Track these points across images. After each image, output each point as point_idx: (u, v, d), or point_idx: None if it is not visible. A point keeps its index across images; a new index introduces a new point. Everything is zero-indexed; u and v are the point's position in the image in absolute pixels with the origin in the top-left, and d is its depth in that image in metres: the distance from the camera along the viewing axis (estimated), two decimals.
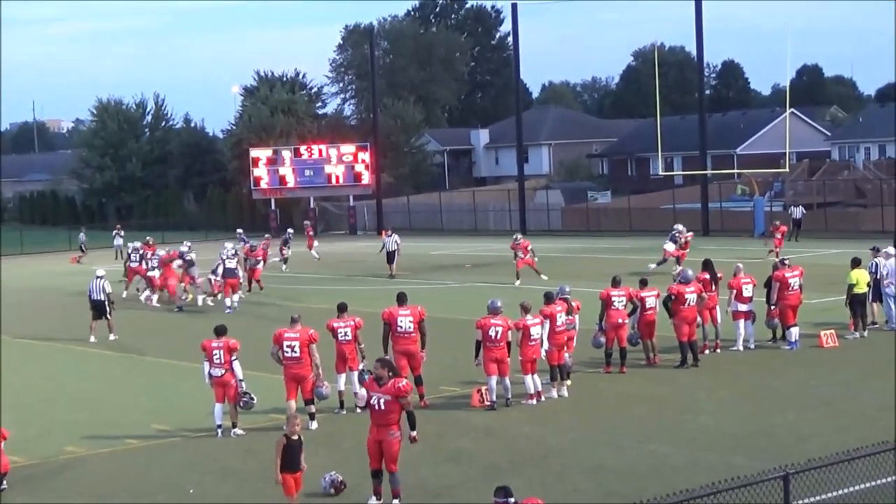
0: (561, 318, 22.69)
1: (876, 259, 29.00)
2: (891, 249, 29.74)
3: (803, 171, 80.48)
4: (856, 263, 28.28)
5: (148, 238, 46.17)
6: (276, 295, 42.21)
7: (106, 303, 33.06)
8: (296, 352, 20.33)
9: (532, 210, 75.69)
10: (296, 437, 14.82)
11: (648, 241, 59.66)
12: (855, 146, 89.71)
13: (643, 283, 25.85)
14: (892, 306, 28.62)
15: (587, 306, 25.86)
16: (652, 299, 25.29)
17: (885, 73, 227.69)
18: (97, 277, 33.71)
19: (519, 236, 43.47)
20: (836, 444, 15.99)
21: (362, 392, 15.83)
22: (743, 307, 26.67)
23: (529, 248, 42.99)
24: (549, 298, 22.74)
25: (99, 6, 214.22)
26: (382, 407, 15.40)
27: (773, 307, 26.45)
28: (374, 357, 17.15)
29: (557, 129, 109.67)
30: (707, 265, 27.55)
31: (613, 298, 24.64)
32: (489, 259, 53.68)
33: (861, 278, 27.61)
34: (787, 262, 27.92)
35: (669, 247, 41.80)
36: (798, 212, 56.94)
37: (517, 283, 40.53)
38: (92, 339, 32.62)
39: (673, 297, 24.64)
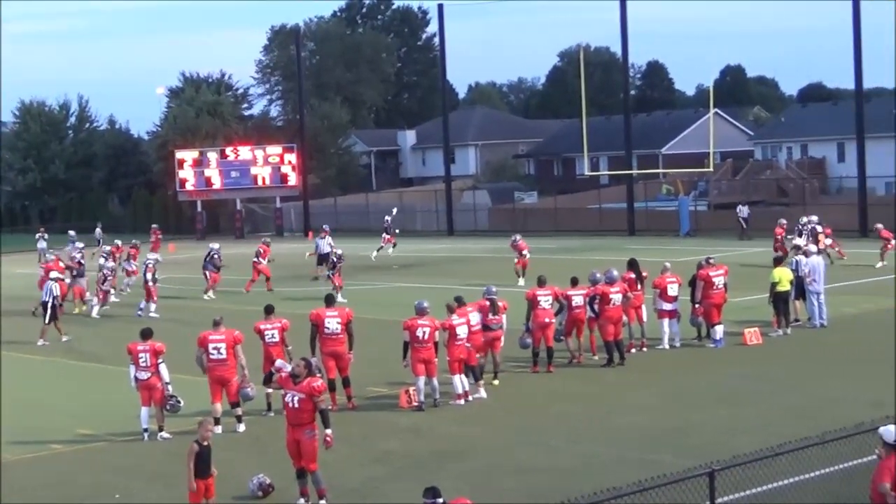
0: (475, 318, 22.56)
1: (797, 257, 29.23)
2: (812, 248, 30.04)
3: (727, 171, 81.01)
4: (778, 262, 28.55)
5: (117, 241, 46.27)
6: (196, 298, 41.70)
7: (49, 305, 32.48)
8: (222, 353, 20.20)
9: (459, 210, 75.67)
10: (206, 444, 14.74)
11: (575, 241, 59.95)
12: (777, 146, 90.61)
13: (574, 282, 25.81)
14: (815, 304, 28.74)
15: (515, 307, 25.74)
16: (579, 298, 25.22)
17: (806, 73, 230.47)
18: (51, 280, 33.44)
19: (517, 237, 42.51)
20: (761, 441, 16.01)
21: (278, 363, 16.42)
22: (668, 306, 26.68)
23: (526, 250, 41.88)
24: (459, 302, 22.59)
25: (22, 7, 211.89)
26: (296, 405, 15.43)
27: (697, 305, 26.51)
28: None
29: (484, 129, 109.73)
30: (632, 264, 27.61)
31: (539, 298, 24.57)
32: (416, 260, 53.47)
33: (784, 276, 27.87)
34: (711, 260, 28.10)
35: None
36: (745, 211, 57.33)
37: (521, 282, 39.43)
38: (40, 342, 32.25)
39: (598, 297, 24.68)
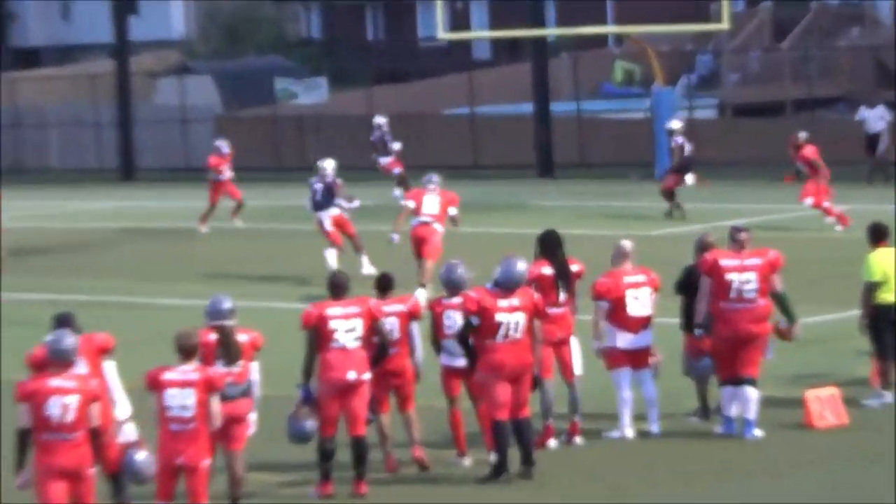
0: None
1: None
2: None
3: (763, 29, 47.91)
4: (879, 237, 15.02)
5: None
6: None
7: None
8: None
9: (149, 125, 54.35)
10: None
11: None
12: None
13: (382, 287, 14.07)
14: None
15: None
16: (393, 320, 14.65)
17: None
18: None
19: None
20: None
21: None
22: (627, 339, 16.66)
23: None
24: None
25: None
26: None
27: (698, 334, 16.87)
28: None
29: None
30: (548, 246, 15.14)
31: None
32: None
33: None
34: (741, 234, 15.14)
35: None
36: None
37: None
38: None
39: (469, 319, 15.61)
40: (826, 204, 27.25)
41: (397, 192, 32.28)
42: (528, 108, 41.02)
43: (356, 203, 24.98)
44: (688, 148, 30.15)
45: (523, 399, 13.26)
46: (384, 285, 13.90)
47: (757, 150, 36.92)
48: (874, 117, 35.93)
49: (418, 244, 21.74)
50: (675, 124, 31.01)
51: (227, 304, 12.92)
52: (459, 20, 56.85)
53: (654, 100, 38.69)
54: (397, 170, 33.83)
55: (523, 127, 40.48)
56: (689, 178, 30.64)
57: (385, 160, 34.18)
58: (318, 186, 24.54)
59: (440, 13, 34.46)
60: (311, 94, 47.12)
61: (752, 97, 44.77)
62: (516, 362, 13.07)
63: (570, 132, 40.67)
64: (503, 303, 12.98)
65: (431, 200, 22.29)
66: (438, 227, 21.92)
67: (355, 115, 43.14)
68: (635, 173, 37.88)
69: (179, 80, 48.20)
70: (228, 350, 12.50)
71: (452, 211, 22.25)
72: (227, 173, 30.71)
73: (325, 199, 24.08)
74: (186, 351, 11.81)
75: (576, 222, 26.48)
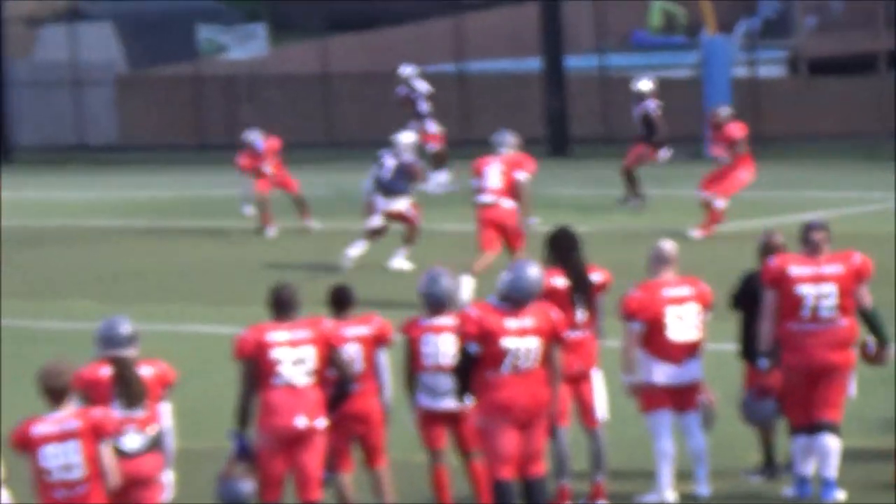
0: None
1: None
2: None
3: None
4: None
5: None
6: None
7: None
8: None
9: None
10: None
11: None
12: None
13: (338, 304, 19.20)
14: None
15: None
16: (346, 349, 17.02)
17: None
18: None
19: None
20: None
21: None
22: (666, 372, 17.54)
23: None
24: None
25: None
26: None
27: (764, 364, 16.88)
28: None
29: None
30: (562, 250, 16.43)
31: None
32: None
33: None
34: (814, 235, 16.57)
35: None
36: None
37: None
38: None
39: (469, 351, 16.98)
40: (718, 202, 27.79)
41: (439, 176, 32.58)
42: (534, 64, 41.57)
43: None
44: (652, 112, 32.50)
45: (536, 450, 13.64)
46: (341, 301, 14.22)
47: (840, 118, 37.63)
48: None
49: (492, 230, 22.89)
50: (645, 85, 32.50)
51: (126, 329, 13.04)
52: None
53: (704, 52, 39.17)
54: (432, 145, 33.95)
55: (529, 90, 41.37)
56: (664, 153, 32.10)
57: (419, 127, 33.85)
58: (391, 164, 25.77)
59: None
60: (246, 46, 47.76)
61: (834, 49, 45.58)
62: (528, 402, 13.38)
63: (590, 96, 41.57)
64: (512, 323, 13.29)
65: (494, 170, 23.15)
66: (506, 204, 23.15)
67: (304, 73, 43.73)
68: (680, 150, 38.66)
69: (69, 29, 49.18)
70: (128, 388, 12.57)
71: (520, 176, 23.02)
72: (269, 169, 30.62)
73: (397, 182, 25.17)
74: (55, 393, 11.96)
75: (598, 216, 27.45)
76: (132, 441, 12.45)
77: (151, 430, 12.78)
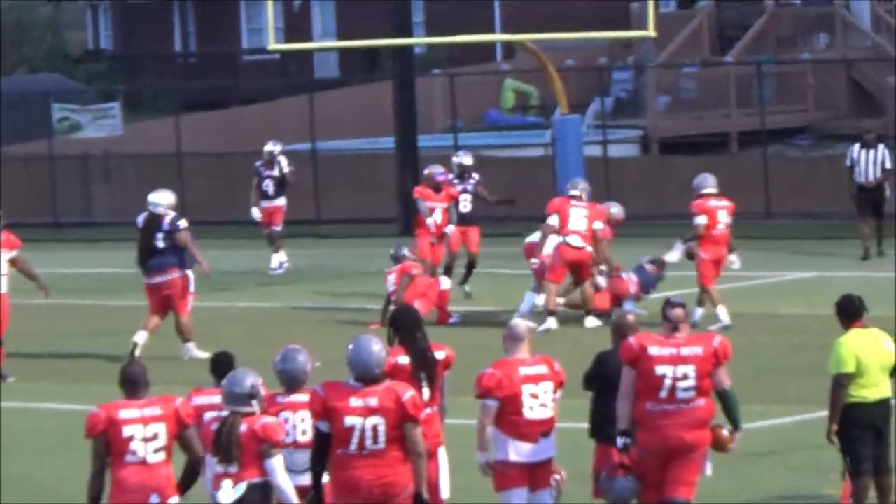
0: None
1: None
2: None
3: (701, 34, 49.93)
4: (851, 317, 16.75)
5: None
6: None
7: None
8: None
9: None
10: None
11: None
12: None
13: None
14: None
15: None
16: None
17: None
18: None
19: None
20: None
21: None
22: None
23: None
24: None
25: None
26: None
27: None
28: None
29: None
30: None
31: None
32: None
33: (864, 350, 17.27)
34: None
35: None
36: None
37: None
38: None
39: None
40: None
41: (273, 259, 32.41)
42: (388, 143, 41.41)
43: None
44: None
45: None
46: (222, 369, 14.21)
47: (691, 197, 37.57)
48: (868, 160, 33.10)
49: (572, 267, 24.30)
50: (467, 159, 31.99)
51: (243, 387, 13.58)
52: (297, 26, 57.52)
53: (557, 131, 38.64)
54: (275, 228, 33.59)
55: (382, 168, 41.17)
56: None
57: (267, 204, 33.23)
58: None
59: (270, 17, 33.53)
60: (101, 124, 47.18)
61: (685, 128, 45.82)
62: (375, 482, 13.22)
63: None
64: (356, 402, 13.14)
65: (579, 214, 23.86)
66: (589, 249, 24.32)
67: (158, 152, 43.23)
68: (531, 229, 38.70)
69: None
70: (222, 445, 13.23)
71: (598, 226, 24.04)
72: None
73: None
74: None
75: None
76: (225, 495, 13.19)
77: (242, 485, 13.51)
